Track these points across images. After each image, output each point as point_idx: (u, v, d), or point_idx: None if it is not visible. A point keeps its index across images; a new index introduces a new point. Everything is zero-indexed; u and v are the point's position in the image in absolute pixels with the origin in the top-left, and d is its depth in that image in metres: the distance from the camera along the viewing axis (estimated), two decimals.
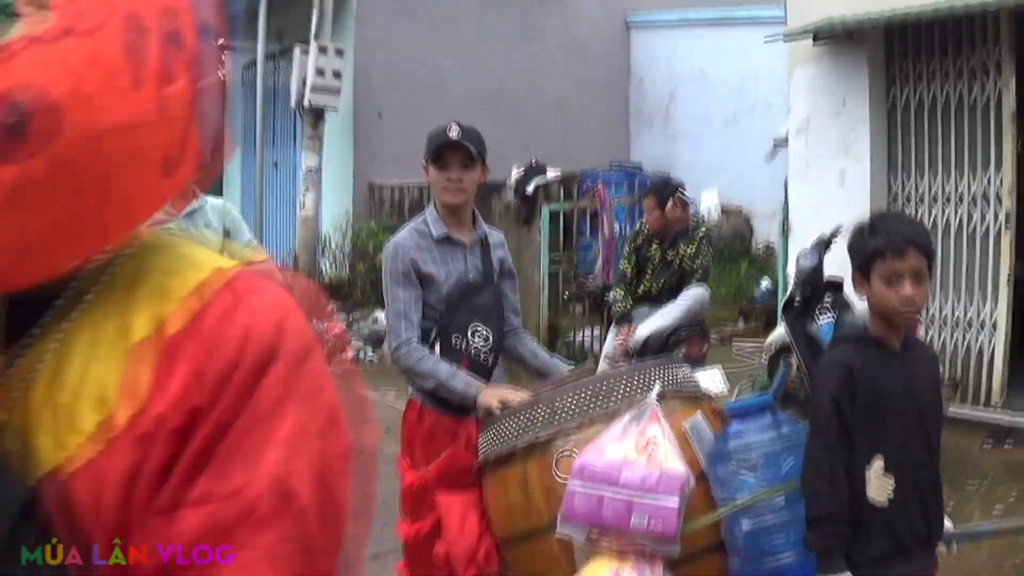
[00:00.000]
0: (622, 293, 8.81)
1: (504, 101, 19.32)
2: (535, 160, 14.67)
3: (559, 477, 3.86)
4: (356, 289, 17.57)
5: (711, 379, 7.86)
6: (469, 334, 4.78)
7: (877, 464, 3.69)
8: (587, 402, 3.98)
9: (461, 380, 4.57)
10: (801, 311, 9.39)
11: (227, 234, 5.57)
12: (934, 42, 10.18)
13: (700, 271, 8.47)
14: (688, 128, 19.55)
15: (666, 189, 8.72)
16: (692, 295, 8.37)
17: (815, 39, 10.61)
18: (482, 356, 4.80)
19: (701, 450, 3.91)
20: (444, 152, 4.86)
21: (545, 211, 14.03)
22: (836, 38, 10.56)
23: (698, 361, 8.06)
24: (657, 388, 3.90)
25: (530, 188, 14.20)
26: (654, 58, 20.44)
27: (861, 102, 10.49)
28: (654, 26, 20.51)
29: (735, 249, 17.72)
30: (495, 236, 5.22)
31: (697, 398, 4.22)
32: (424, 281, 4.82)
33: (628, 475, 3.64)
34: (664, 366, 4.20)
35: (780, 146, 12.30)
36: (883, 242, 3.73)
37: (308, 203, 17.04)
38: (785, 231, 11.36)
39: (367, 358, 14.97)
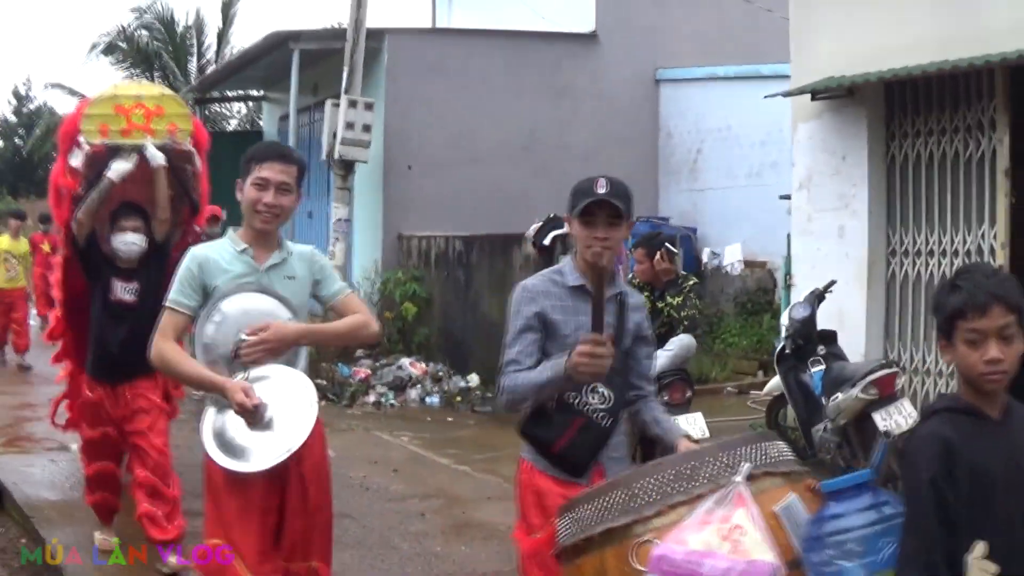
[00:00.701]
0: None
1: (533, 154, 19.61)
2: (553, 213, 14.90)
3: (637, 567, 3.52)
4: (383, 337, 17.84)
5: (692, 423, 8.10)
6: (586, 392, 4.46)
7: (979, 549, 3.25)
8: (668, 485, 3.59)
9: (546, 369, 4.33)
10: (794, 361, 9.60)
11: (316, 283, 5.17)
12: (932, 99, 10.36)
13: (687, 321, 8.72)
14: (714, 182, 19.57)
15: (654, 241, 9.04)
16: (678, 343, 8.63)
17: (813, 96, 10.82)
18: (598, 416, 4.48)
19: (795, 534, 3.52)
20: (591, 208, 4.51)
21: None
22: (836, 95, 10.76)
23: (681, 407, 8.29)
24: (746, 468, 3.55)
25: (547, 240, 14.45)
26: (682, 112, 20.55)
27: (860, 158, 10.67)
28: (682, 81, 20.67)
29: (758, 302, 17.71)
30: (634, 298, 4.86)
31: (792, 475, 3.73)
32: (549, 329, 4.56)
33: (711, 567, 3.36)
34: (754, 443, 3.75)
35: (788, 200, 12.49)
36: (963, 300, 3.36)
37: (338, 252, 17.31)
38: (788, 284, 11.53)
39: (388, 402, 15.29)
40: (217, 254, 4.95)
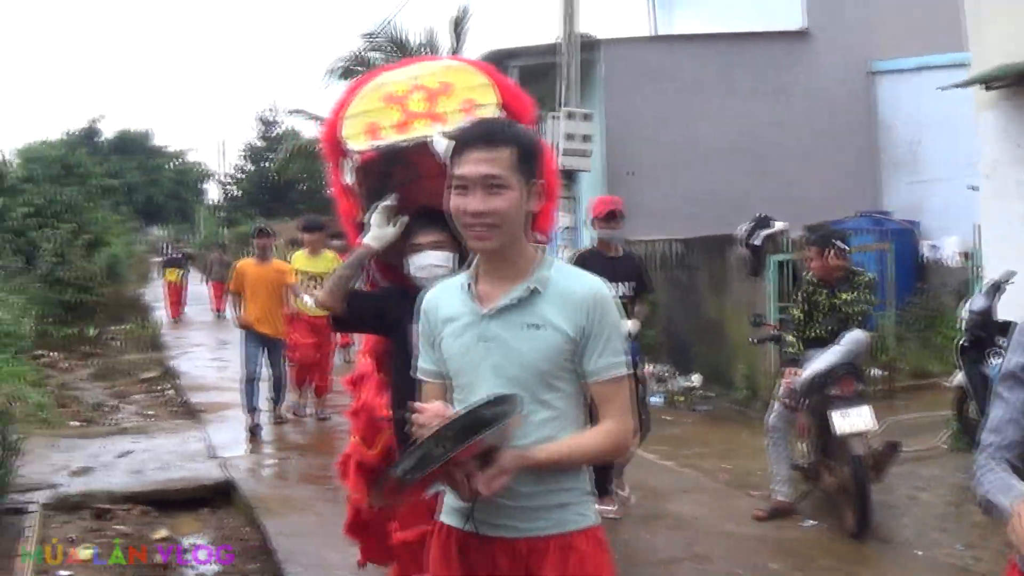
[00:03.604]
0: (792, 338, 9.38)
1: (751, 155, 19.94)
2: (762, 212, 15.17)
3: None
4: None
5: (860, 416, 8.41)
6: None
7: None
8: None
9: (999, 494, 3.05)
10: (975, 353, 9.73)
11: (582, 341, 3.45)
12: None
13: (859, 316, 9.00)
14: (934, 173, 19.40)
15: (825, 239, 9.30)
16: (851, 339, 8.87)
17: (987, 86, 10.89)
18: None
19: None
20: None
21: (771, 261, 14.55)
22: (1013, 83, 10.79)
23: (850, 400, 8.58)
24: None
25: (757, 240, 14.73)
26: (899, 105, 20.49)
27: None
28: (897, 73, 20.61)
29: None
30: None
31: None
32: None
33: None
34: None
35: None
36: None
37: (565, 259, 17.83)
38: (977, 275, 11.54)
39: None
40: (445, 293, 3.71)
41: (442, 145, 5.26)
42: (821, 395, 8.81)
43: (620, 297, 8.80)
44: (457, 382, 3.59)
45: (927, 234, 18.62)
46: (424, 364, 3.71)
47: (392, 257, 5.90)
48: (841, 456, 8.76)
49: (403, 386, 5.10)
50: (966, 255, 17.33)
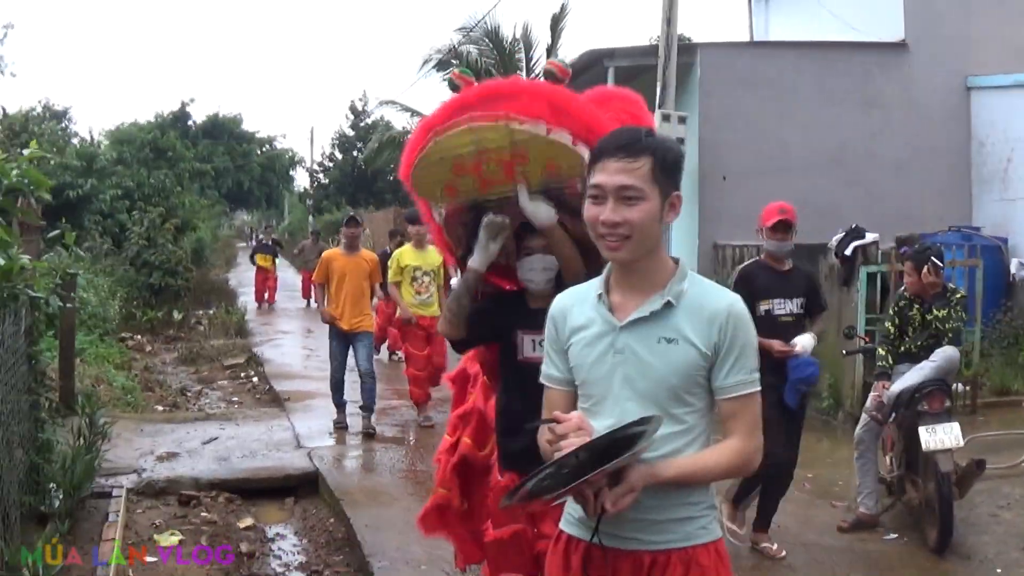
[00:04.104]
0: (884, 352, 9.39)
1: (844, 165, 19.78)
2: (855, 224, 15.09)
3: None
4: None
5: (948, 433, 8.43)
6: None
7: None
8: None
9: None
10: None
11: (714, 356, 3.40)
12: None
13: (951, 333, 9.01)
14: None
15: (922, 255, 9.30)
16: (942, 355, 8.90)
17: None
18: None
19: None
20: None
21: (863, 272, 14.49)
22: None
23: (939, 416, 8.59)
24: None
25: (848, 250, 14.67)
26: (993, 121, 20.19)
27: None
28: (994, 89, 20.32)
29: None
30: None
31: None
32: None
33: None
34: None
35: None
36: None
37: None
38: None
39: None
40: (575, 301, 3.64)
41: (528, 208, 5.20)
42: (910, 410, 8.84)
43: (788, 315, 8.55)
44: (585, 392, 3.54)
45: (1015, 252, 18.41)
46: (550, 371, 3.65)
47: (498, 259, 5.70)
48: (927, 472, 8.77)
49: (509, 389, 5.47)
50: None
